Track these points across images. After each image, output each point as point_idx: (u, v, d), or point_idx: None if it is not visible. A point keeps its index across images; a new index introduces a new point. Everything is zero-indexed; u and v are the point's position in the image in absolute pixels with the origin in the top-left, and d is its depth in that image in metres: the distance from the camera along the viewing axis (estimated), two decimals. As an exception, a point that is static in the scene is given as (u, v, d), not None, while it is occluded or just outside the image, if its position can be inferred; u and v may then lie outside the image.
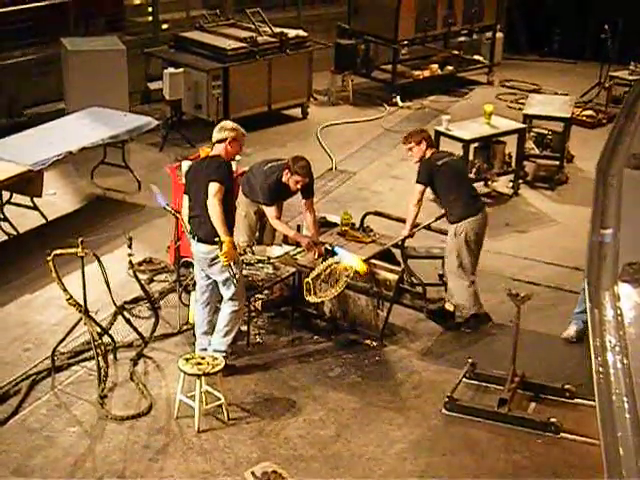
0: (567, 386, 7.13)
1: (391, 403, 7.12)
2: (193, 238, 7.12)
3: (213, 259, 7.01)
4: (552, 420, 6.77)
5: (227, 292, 7.15)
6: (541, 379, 7.28)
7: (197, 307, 7.41)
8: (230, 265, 6.91)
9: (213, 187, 6.86)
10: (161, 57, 13.15)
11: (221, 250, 6.83)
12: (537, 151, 11.57)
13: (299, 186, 7.83)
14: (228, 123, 7.32)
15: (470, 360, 7.38)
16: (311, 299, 7.40)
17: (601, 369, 3.15)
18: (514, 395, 7.04)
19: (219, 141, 7.12)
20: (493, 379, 7.32)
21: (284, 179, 7.83)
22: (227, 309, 7.20)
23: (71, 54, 11.57)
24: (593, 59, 15.18)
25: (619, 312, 3.37)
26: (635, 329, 3.32)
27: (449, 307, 8.15)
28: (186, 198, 7.25)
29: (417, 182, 8.01)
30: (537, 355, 7.70)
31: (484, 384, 7.35)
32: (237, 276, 7.04)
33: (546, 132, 11.55)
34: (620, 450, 2.86)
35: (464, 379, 7.30)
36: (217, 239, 6.87)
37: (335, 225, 8.69)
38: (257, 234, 8.41)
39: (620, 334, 3.27)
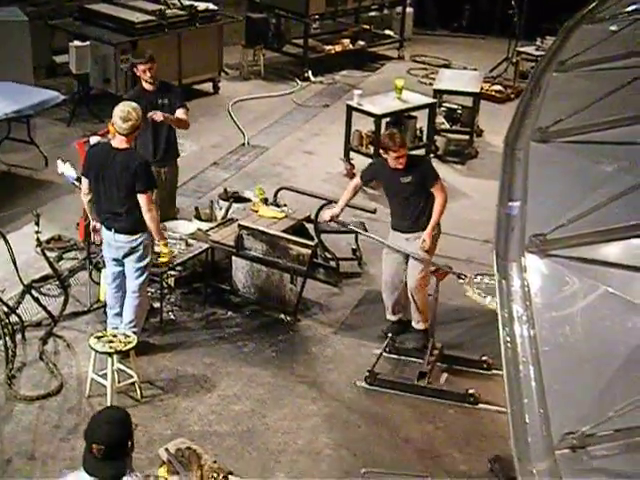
0: (484, 357, 7.27)
1: (305, 377, 7.15)
2: (109, 230, 6.92)
3: (134, 247, 6.89)
4: (470, 391, 6.91)
5: (136, 281, 7.02)
6: (461, 351, 7.41)
7: (109, 291, 7.25)
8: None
9: (145, 199, 6.66)
10: (66, 30, 12.79)
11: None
12: (447, 126, 11.71)
13: (148, 76, 8.10)
14: (131, 110, 6.71)
15: (390, 335, 7.44)
16: None
17: (508, 339, 3.22)
18: (433, 368, 7.13)
19: (128, 133, 6.69)
20: (413, 353, 7.41)
21: (140, 76, 8.18)
22: (134, 301, 7.07)
23: (-29, 26, 11.18)
24: (501, 35, 15.37)
25: (526, 283, 3.44)
26: (541, 299, 3.40)
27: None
28: (86, 182, 6.95)
29: (437, 179, 7.37)
30: (456, 328, 7.83)
31: (404, 357, 7.43)
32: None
33: (456, 107, 11.70)
34: (526, 417, 2.93)
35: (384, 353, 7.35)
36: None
37: (248, 200, 8.66)
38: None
39: (527, 304, 3.34)
